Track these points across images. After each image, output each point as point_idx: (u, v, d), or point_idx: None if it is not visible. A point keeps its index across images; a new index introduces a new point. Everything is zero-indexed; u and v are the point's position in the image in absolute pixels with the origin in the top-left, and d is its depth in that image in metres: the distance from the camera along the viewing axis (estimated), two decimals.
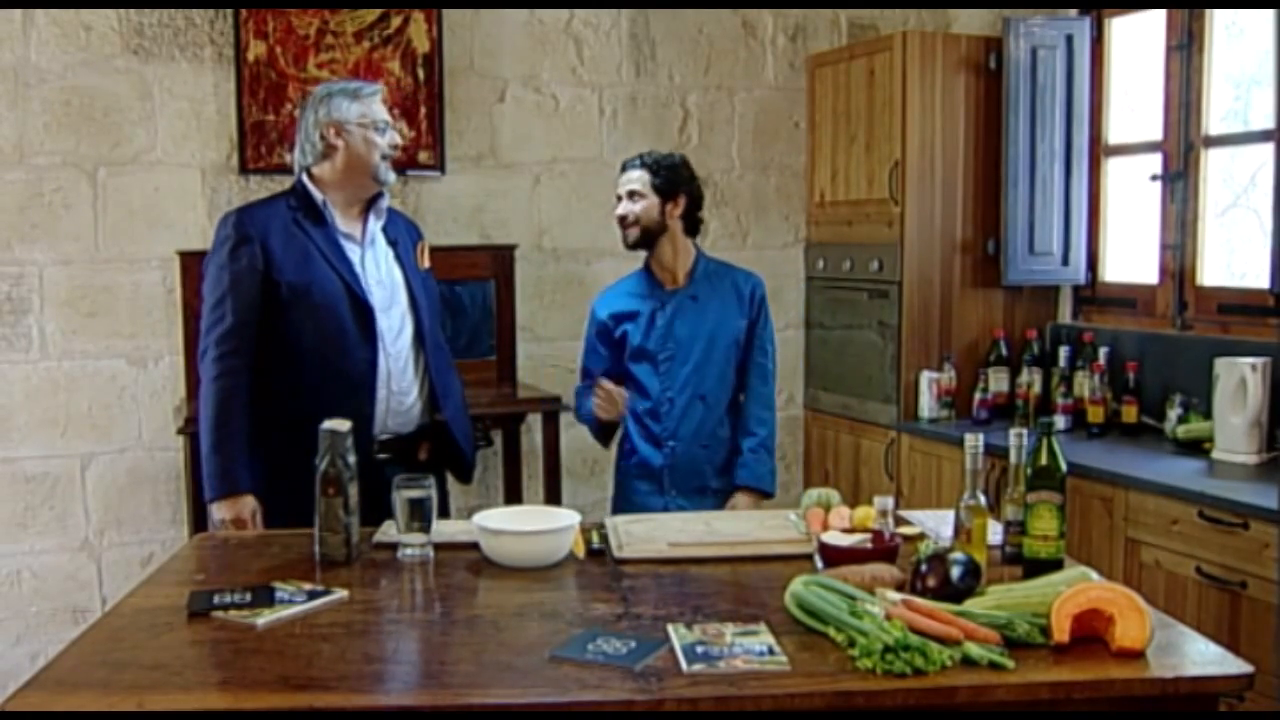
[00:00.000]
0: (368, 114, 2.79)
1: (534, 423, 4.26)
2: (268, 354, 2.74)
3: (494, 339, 4.39)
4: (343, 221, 2.83)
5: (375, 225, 2.87)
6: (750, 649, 1.83)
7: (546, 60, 4.45)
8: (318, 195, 2.80)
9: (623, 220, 3.12)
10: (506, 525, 2.37)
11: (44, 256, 4.01)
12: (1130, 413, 3.82)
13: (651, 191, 3.10)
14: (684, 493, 3.11)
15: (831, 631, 1.87)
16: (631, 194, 3.11)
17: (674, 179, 3.12)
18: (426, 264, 3.00)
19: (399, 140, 2.89)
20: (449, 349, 3.07)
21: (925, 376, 4.16)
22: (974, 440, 2.29)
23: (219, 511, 2.70)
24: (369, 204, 2.86)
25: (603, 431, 3.22)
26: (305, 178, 2.82)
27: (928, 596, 1.98)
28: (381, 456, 2.79)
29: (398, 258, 2.89)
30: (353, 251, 2.82)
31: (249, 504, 2.70)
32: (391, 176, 2.85)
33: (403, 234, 2.95)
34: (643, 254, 3.22)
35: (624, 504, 3.20)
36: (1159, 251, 3.97)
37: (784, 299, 4.68)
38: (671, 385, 3.11)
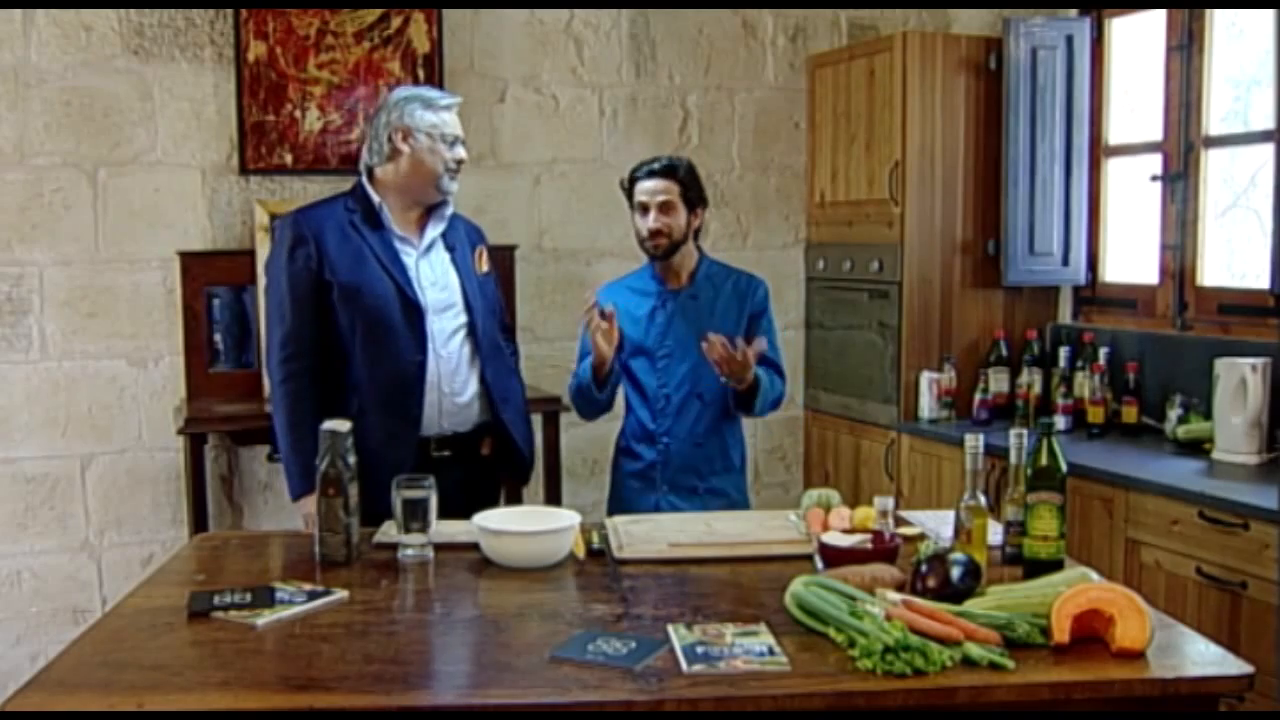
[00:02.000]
0: (439, 125, 2.81)
1: (534, 423, 4.25)
2: (322, 352, 2.79)
3: None
4: (400, 225, 2.85)
5: (434, 231, 2.89)
6: (750, 649, 1.83)
7: (546, 61, 4.45)
8: (375, 198, 2.83)
9: (655, 234, 3.06)
10: (507, 526, 2.38)
11: (44, 257, 4.00)
12: (1130, 413, 3.82)
13: (682, 204, 3.07)
14: (676, 491, 3.10)
15: (831, 632, 1.88)
16: (665, 206, 3.05)
17: (698, 189, 3.11)
18: (485, 268, 3.02)
19: (465, 156, 2.89)
20: (510, 352, 3.09)
21: (925, 377, 4.16)
22: (974, 441, 2.30)
23: (305, 507, 2.75)
24: (429, 210, 2.89)
25: (596, 387, 3.07)
26: (366, 179, 2.86)
27: (928, 597, 1.98)
28: (443, 454, 2.83)
29: (454, 262, 2.92)
30: (408, 255, 2.84)
31: None
32: (454, 187, 2.87)
33: (462, 239, 2.97)
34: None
35: (617, 501, 3.19)
36: (1159, 252, 3.97)
37: (784, 299, 4.68)
38: (668, 382, 3.10)
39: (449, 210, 2.92)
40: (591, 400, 3.11)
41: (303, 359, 2.78)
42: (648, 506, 3.05)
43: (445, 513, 2.49)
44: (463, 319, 2.89)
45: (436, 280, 2.87)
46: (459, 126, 2.87)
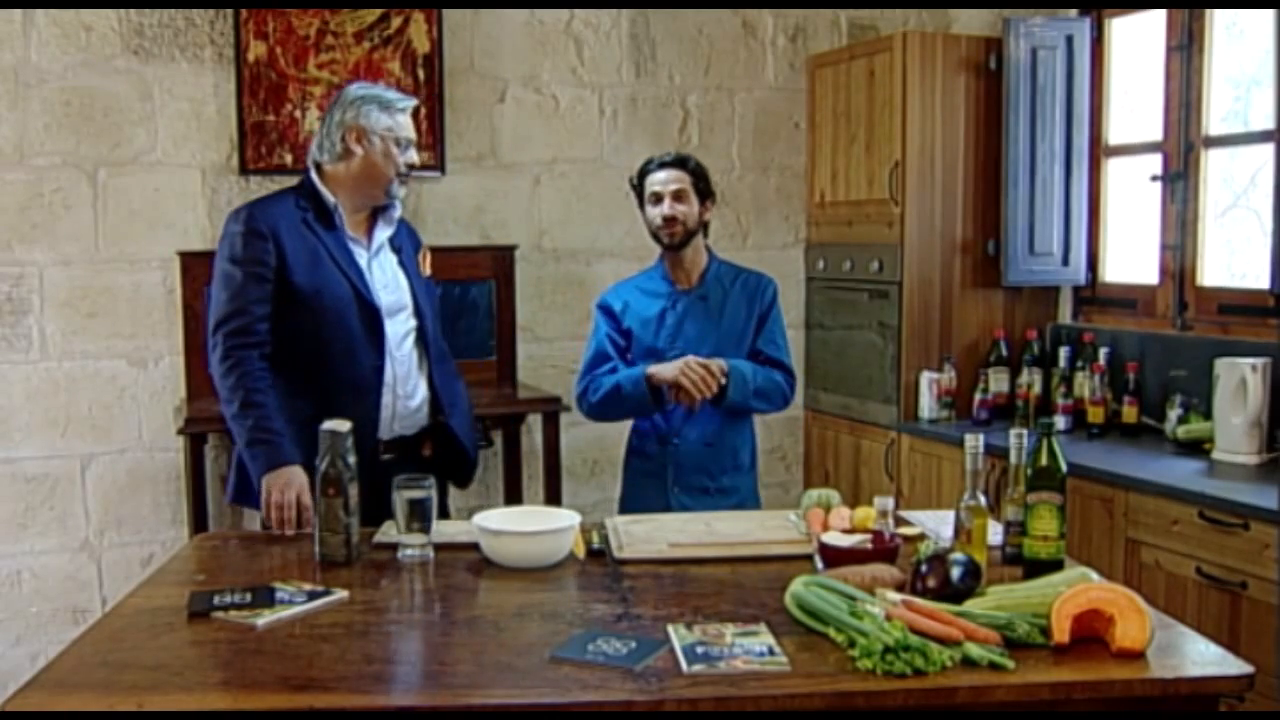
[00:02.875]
0: (394, 128, 2.77)
1: (534, 423, 4.27)
2: (276, 354, 2.73)
3: (494, 339, 4.39)
4: (350, 225, 2.82)
5: (383, 234, 2.87)
6: (750, 649, 1.83)
7: (546, 61, 4.45)
8: (329, 197, 2.78)
9: (670, 221, 3.08)
10: (507, 526, 2.38)
11: (44, 257, 4.00)
12: (1130, 413, 3.82)
13: (694, 193, 3.10)
14: (688, 491, 3.11)
15: (831, 632, 1.87)
16: (678, 194, 3.08)
17: (707, 182, 3.15)
18: (428, 271, 3.01)
19: (417, 160, 2.86)
20: (450, 354, 3.07)
21: (925, 377, 4.16)
22: (974, 441, 2.29)
23: (266, 485, 2.60)
24: (376, 210, 2.86)
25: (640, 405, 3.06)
26: (315, 175, 2.80)
27: (928, 597, 1.98)
28: (386, 457, 2.80)
29: (402, 265, 2.90)
30: (360, 256, 2.82)
31: (297, 475, 2.59)
32: (402, 192, 2.84)
33: (406, 241, 2.96)
34: (655, 251, 3.22)
35: (629, 501, 3.19)
36: (1159, 252, 3.97)
37: (784, 299, 4.62)
38: None
39: (397, 213, 2.89)
40: (640, 411, 3.10)
41: (253, 348, 2.67)
42: (658, 506, 3.05)
43: (388, 516, 2.48)
44: (413, 323, 2.87)
45: (388, 283, 2.84)
46: (413, 129, 2.83)
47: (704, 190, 3.13)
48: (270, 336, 2.71)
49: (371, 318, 2.77)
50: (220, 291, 2.72)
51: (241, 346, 2.68)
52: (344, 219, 2.80)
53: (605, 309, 3.21)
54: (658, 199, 3.10)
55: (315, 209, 2.78)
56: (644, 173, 3.16)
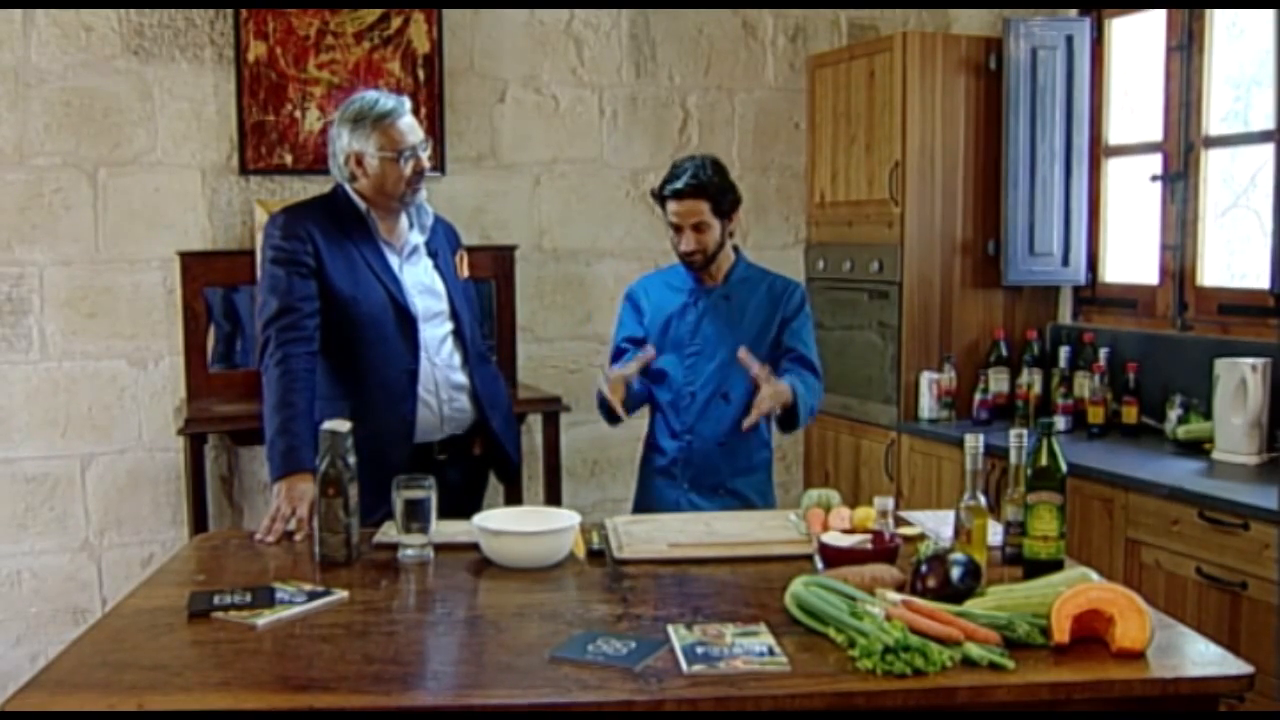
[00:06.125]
0: (387, 144, 2.74)
1: (534, 423, 4.27)
2: (319, 344, 2.75)
3: (494, 339, 4.38)
4: (383, 229, 2.84)
5: (416, 238, 2.88)
6: (750, 649, 1.83)
7: (546, 61, 4.45)
8: (361, 205, 2.81)
9: (690, 254, 3.04)
10: (507, 526, 2.38)
11: (44, 257, 4.00)
12: (1130, 413, 3.82)
13: (715, 218, 3.03)
14: (699, 489, 3.09)
15: (831, 632, 1.87)
16: (698, 226, 3.01)
17: (729, 198, 3.05)
18: (466, 273, 3.02)
19: (425, 164, 2.81)
20: (491, 357, 3.09)
21: (925, 377, 4.16)
22: (974, 441, 2.29)
23: (278, 489, 2.60)
24: (409, 214, 2.87)
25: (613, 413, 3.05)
26: (347, 186, 2.83)
27: (928, 597, 1.98)
28: (441, 458, 2.85)
29: (439, 269, 2.91)
30: (394, 261, 2.83)
31: (310, 488, 2.52)
32: (418, 197, 2.83)
33: (443, 244, 2.97)
34: (656, 251, 3.20)
35: (642, 496, 3.18)
36: (1159, 252, 3.97)
37: None
38: (695, 380, 3.09)
39: (430, 219, 2.91)
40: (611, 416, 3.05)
41: (299, 344, 2.68)
42: (670, 503, 3.04)
43: (445, 512, 2.49)
44: (450, 325, 2.89)
45: (423, 287, 2.86)
46: (415, 132, 2.78)
47: (725, 209, 3.04)
48: (318, 333, 2.73)
49: (406, 323, 2.79)
50: (267, 293, 2.74)
51: (290, 341, 2.68)
52: (377, 225, 2.82)
53: (632, 301, 3.19)
54: (679, 230, 3.04)
55: (350, 217, 2.81)
56: (664, 195, 3.05)
